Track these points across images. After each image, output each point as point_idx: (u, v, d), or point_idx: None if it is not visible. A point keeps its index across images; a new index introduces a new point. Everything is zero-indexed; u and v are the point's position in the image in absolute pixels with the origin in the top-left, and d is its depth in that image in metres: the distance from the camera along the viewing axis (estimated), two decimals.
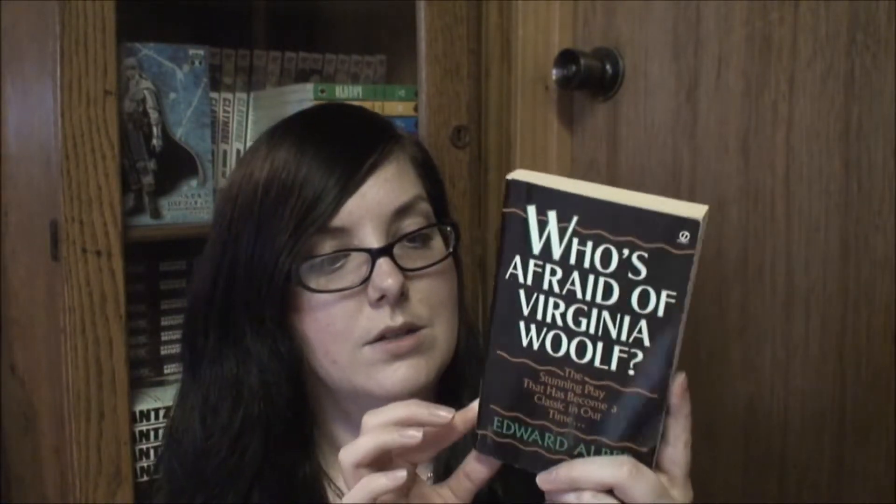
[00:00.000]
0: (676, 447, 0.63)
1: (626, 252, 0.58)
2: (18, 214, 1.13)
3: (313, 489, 0.82)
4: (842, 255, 1.03)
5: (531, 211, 0.58)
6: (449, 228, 0.81)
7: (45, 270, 1.03)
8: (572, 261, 0.59)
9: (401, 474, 0.64)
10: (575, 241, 0.58)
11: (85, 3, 0.97)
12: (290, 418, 0.81)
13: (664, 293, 0.58)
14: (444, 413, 0.65)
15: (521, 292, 0.60)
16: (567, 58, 1.24)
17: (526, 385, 0.62)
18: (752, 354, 1.12)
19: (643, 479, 0.61)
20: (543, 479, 0.63)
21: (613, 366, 0.60)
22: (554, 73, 1.25)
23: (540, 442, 0.63)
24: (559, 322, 0.60)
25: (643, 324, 0.59)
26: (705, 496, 1.16)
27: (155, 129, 1.08)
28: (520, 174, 0.59)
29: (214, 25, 1.35)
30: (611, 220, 0.58)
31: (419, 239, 0.78)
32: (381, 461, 0.65)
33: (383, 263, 0.74)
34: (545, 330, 0.60)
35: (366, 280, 0.75)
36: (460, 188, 1.22)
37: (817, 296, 1.06)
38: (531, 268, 0.59)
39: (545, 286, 0.59)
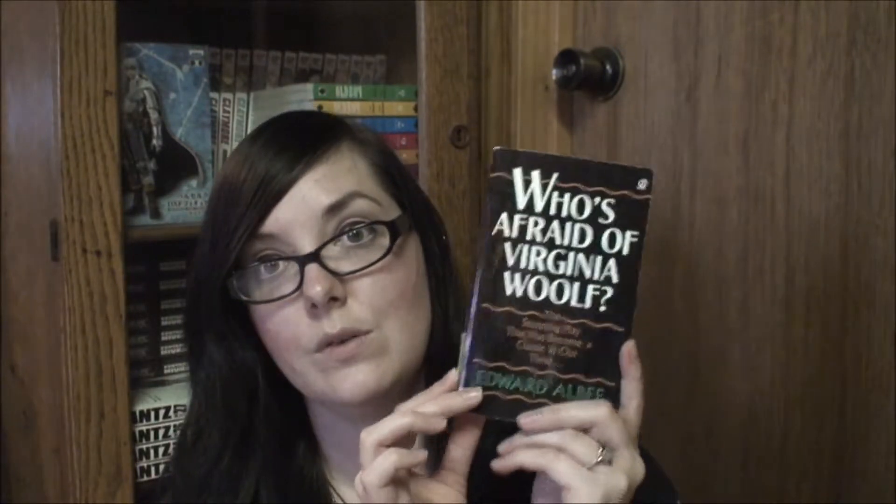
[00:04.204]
0: (628, 408, 0.68)
1: (597, 200, 0.68)
2: (18, 214, 1.12)
3: (319, 497, 0.83)
4: (842, 255, 1.03)
5: (517, 173, 0.68)
6: (393, 220, 0.77)
7: (45, 270, 1.03)
8: (552, 211, 0.68)
9: (421, 453, 0.66)
10: (555, 194, 0.68)
11: (85, 3, 0.97)
12: (280, 423, 0.81)
13: (628, 233, 0.68)
14: (475, 394, 0.68)
15: (507, 245, 0.68)
16: (567, 58, 1.24)
17: (509, 333, 0.68)
18: (752, 354, 1.12)
19: (618, 420, 0.66)
20: (527, 421, 0.67)
21: (588, 303, 0.68)
22: (554, 73, 1.25)
23: (521, 388, 0.68)
24: (541, 268, 0.68)
25: (612, 262, 0.68)
26: (705, 495, 1.16)
27: (155, 129, 1.08)
28: (503, 148, 0.70)
29: (214, 25, 1.35)
30: (584, 175, 0.68)
31: (362, 237, 0.76)
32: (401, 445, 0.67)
33: (311, 270, 0.73)
34: (528, 277, 0.68)
35: (300, 286, 0.74)
36: (460, 188, 1.21)
37: (817, 296, 1.06)
38: (516, 222, 0.68)
39: (528, 236, 0.68)
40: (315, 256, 0.73)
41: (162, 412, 1.07)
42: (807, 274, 1.06)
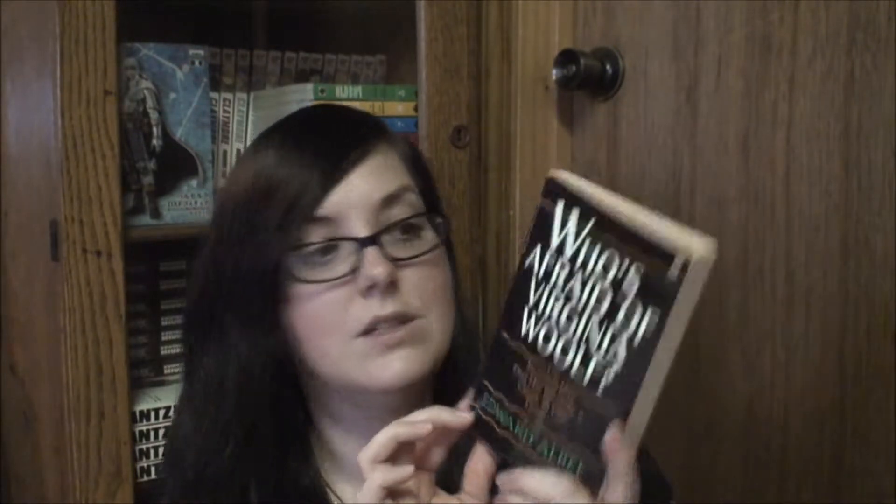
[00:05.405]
0: (613, 491, 0.60)
1: (626, 262, 0.57)
2: (18, 214, 1.12)
3: (314, 496, 0.83)
4: (842, 255, 1.03)
5: (559, 206, 0.61)
6: (439, 219, 0.81)
7: (45, 270, 1.03)
8: (579, 261, 0.60)
9: (406, 468, 0.66)
10: (587, 242, 0.60)
11: (85, 3, 0.97)
12: (280, 420, 0.81)
13: (650, 311, 0.56)
14: (466, 415, 0.68)
15: (533, 282, 0.63)
16: (567, 58, 1.24)
17: (514, 371, 0.65)
18: (752, 354, 1.12)
19: (581, 497, 0.60)
20: (502, 480, 0.66)
21: (587, 375, 0.60)
22: (554, 73, 1.25)
23: (511, 428, 0.65)
24: (554, 318, 0.62)
25: (623, 339, 0.58)
26: (706, 495, 1.16)
27: (155, 129, 1.08)
28: (562, 173, 0.62)
29: (214, 25, 1.35)
30: (622, 230, 0.58)
31: (410, 230, 0.78)
32: (398, 460, 0.67)
33: (371, 252, 0.75)
34: (542, 322, 0.63)
35: (355, 270, 0.75)
36: (460, 188, 1.22)
37: (817, 296, 1.06)
38: (546, 259, 0.62)
39: (552, 280, 0.62)
40: (376, 239, 0.75)
41: (162, 412, 1.07)
42: (807, 274, 1.06)
